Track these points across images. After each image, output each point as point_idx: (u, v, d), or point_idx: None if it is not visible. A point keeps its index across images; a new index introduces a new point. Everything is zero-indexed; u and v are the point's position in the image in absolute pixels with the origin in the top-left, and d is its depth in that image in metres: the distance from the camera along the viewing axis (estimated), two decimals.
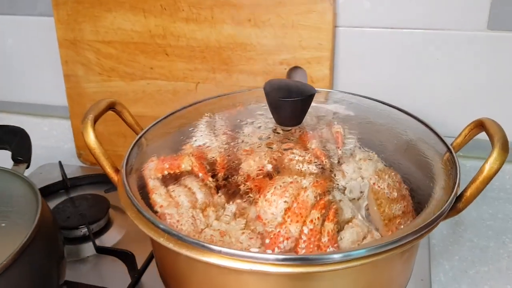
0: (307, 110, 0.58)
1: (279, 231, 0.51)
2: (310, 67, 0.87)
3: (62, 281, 0.66)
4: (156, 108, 0.98)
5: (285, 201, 0.52)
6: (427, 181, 0.59)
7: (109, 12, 0.93)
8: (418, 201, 0.57)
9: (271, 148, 0.57)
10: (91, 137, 0.59)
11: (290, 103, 0.56)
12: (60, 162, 0.98)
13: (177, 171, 0.58)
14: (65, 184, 0.96)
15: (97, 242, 0.79)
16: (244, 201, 0.56)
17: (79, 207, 0.87)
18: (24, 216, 0.57)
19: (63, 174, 0.96)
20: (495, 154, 0.52)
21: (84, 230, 0.81)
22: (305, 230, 0.50)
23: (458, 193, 0.55)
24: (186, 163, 0.57)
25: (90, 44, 0.97)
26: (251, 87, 0.91)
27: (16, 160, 0.72)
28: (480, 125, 0.58)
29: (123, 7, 0.92)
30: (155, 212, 0.55)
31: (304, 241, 0.50)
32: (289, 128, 0.59)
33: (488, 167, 0.52)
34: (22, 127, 0.77)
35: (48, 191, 0.94)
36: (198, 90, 0.94)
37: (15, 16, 1.06)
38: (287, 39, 0.87)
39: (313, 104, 0.62)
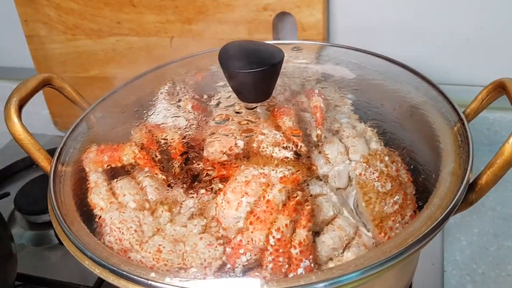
0: (275, 82, 0.45)
1: (240, 240, 0.41)
2: (300, 12, 0.73)
3: (11, 281, 0.59)
4: (130, 68, 0.86)
5: (248, 202, 0.42)
6: (433, 159, 0.47)
7: None
8: (422, 184, 0.45)
9: (227, 135, 0.45)
10: (16, 127, 0.49)
11: (250, 75, 0.42)
12: None
13: (119, 164, 0.47)
14: None
15: None
16: (205, 194, 0.46)
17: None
18: None
19: None
20: None
21: None
22: (271, 240, 0.40)
23: (471, 180, 0.42)
24: (128, 155, 0.46)
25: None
26: (233, 39, 0.77)
27: None
28: (500, 87, 0.45)
29: None
30: (96, 216, 0.45)
31: (271, 253, 0.40)
32: (255, 105, 0.47)
33: (509, 149, 0.40)
34: None
35: (17, 168, 0.87)
36: (173, 46, 0.81)
37: None
38: None
39: (298, 63, 0.50)
